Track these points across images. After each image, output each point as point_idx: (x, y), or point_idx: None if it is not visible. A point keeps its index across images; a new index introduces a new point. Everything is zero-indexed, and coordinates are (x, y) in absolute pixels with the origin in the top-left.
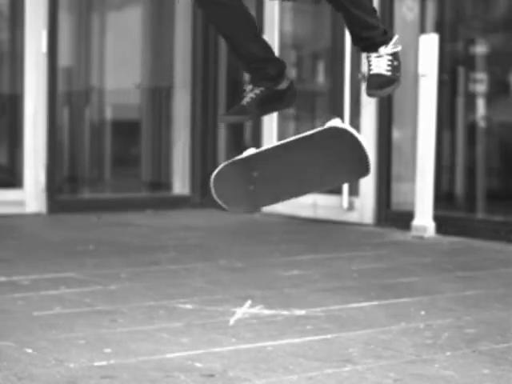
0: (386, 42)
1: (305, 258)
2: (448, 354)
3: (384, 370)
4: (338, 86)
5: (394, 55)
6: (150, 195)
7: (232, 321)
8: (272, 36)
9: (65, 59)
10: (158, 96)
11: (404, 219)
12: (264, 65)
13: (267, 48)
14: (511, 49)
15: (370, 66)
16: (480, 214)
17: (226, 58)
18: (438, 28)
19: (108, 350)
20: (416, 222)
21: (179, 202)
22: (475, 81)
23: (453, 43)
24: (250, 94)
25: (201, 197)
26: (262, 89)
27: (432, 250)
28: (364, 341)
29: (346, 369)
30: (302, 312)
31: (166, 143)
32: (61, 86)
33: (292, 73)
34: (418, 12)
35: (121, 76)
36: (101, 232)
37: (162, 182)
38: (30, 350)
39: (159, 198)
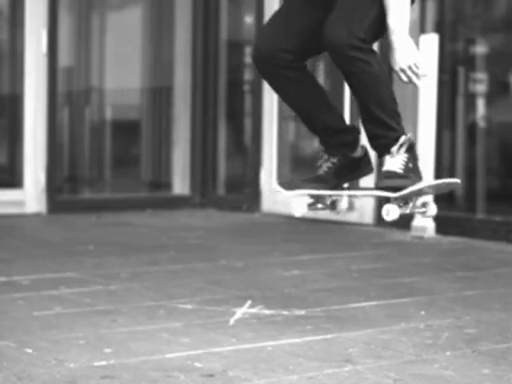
0: (395, 144)
1: (305, 258)
2: (448, 353)
3: (384, 370)
4: (338, 86)
5: (411, 158)
6: (150, 195)
7: (232, 321)
8: None
9: (65, 59)
10: (158, 96)
11: (404, 219)
12: (339, 134)
13: (340, 116)
14: (511, 49)
15: (384, 165)
16: (480, 214)
17: (226, 59)
18: (438, 28)
19: (108, 350)
20: (416, 222)
21: (179, 202)
22: (475, 81)
23: (453, 43)
24: (327, 163)
25: (201, 197)
26: (339, 157)
27: (432, 250)
28: (364, 341)
29: (346, 369)
30: (302, 312)
31: (166, 143)
32: (61, 86)
33: None
34: (418, 12)
35: (121, 76)
36: (101, 232)
37: (162, 181)
38: (30, 350)
39: (159, 197)
